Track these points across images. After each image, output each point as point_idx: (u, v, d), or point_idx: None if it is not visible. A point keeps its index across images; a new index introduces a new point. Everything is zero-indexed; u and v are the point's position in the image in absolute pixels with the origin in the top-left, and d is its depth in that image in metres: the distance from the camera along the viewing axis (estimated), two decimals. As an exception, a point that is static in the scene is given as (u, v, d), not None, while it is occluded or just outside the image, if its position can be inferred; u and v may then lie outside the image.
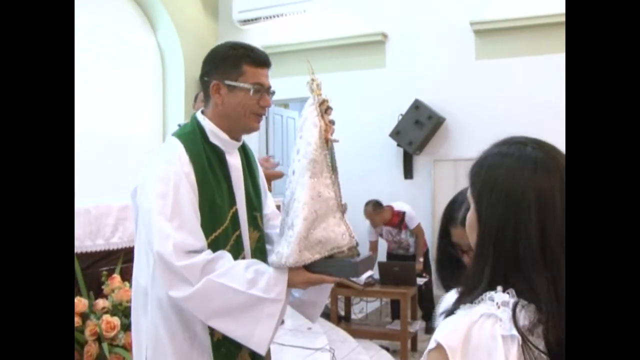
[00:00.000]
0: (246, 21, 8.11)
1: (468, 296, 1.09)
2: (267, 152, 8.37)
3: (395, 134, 7.34)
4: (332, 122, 1.81)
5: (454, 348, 1.00)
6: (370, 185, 7.59)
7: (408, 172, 7.52)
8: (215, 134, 1.91)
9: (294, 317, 5.65)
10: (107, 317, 2.94)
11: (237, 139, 1.96)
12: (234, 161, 1.95)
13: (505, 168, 1.11)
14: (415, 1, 7.55)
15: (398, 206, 6.41)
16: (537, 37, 6.88)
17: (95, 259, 3.46)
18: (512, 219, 1.07)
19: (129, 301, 3.05)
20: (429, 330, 6.32)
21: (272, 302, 1.72)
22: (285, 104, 9.68)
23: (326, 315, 6.01)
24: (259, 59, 1.90)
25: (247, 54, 1.88)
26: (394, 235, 6.46)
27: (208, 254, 1.74)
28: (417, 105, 7.23)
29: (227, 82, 1.87)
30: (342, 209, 1.77)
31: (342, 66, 7.90)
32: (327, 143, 1.77)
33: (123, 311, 3.04)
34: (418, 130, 7.20)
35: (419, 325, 5.95)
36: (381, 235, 6.51)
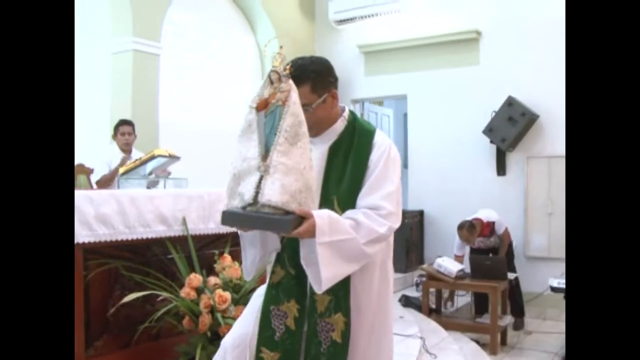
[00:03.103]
0: (342, 21, 8.36)
1: None
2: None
3: (489, 131, 7.37)
4: (279, 90, 2.04)
5: None
6: (463, 182, 7.67)
7: (501, 169, 7.53)
8: None
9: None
10: (219, 291, 3.22)
11: (312, 136, 2.21)
12: (315, 152, 2.24)
13: None
14: (510, -2, 7.57)
15: (485, 216, 6.37)
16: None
17: (207, 241, 3.79)
18: None
19: (238, 279, 3.36)
20: (518, 325, 6.34)
21: None
22: (379, 102, 9.85)
23: (417, 307, 6.16)
24: None
25: None
26: (486, 242, 6.45)
27: None
28: (510, 102, 7.24)
29: None
30: (262, 170, 1.93)
31: (436, 64, 8.00)
32: (262, 107, 2.07)
33: (233, 287, 3.33)
34: (511, 127, 7.19)
35: (508, 319, 5.99)
36: (473, 244, 6.43)
